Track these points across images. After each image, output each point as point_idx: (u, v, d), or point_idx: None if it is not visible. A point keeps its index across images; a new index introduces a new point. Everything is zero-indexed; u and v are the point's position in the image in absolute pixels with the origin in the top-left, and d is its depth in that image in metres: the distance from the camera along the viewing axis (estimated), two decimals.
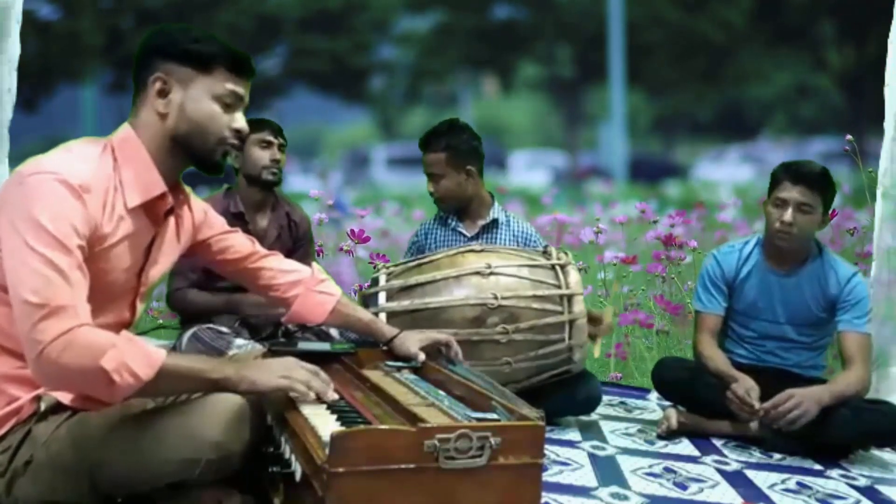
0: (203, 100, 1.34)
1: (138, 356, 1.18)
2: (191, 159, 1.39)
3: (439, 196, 2.57)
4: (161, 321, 3.41)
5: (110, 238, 1.29)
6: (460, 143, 2.52)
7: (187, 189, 1.51)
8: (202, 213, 1.59)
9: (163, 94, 1.33)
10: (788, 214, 2.32)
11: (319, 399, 1.36)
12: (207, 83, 1.34)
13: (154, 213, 1.38)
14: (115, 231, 1.30)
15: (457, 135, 2.53)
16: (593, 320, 2.36)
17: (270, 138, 2.43)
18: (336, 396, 1.38)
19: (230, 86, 1.36)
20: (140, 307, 1.46)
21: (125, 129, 1.35)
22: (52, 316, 1.15)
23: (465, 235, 2.65)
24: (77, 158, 1.27)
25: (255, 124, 2.35)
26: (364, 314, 1.85)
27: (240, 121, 1.39)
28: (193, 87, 1.34)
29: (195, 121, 1.34)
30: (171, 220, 1.46)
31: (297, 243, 2.57)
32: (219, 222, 1.64)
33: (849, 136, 3.10)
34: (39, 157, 1.25)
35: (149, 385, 1.19)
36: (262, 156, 2.42)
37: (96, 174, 1.27)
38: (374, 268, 2.48)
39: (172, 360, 1.23)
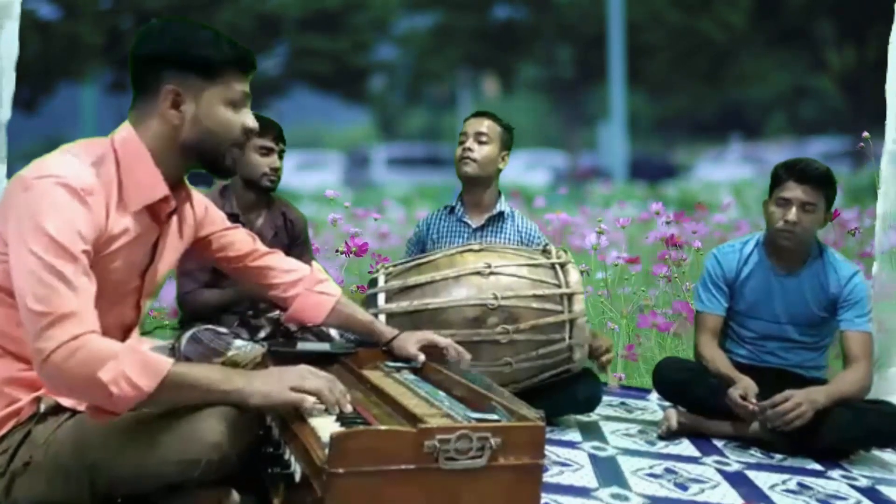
0: (216, 108, 1.34)
1: (140, 367, 1.16)
2: (201, 163, 1.38)
3: (477, 157, 2.58)
4: (166, 322, 3.40)
5: (116, 240, 1.29)
6: (510, 133, 2.70)
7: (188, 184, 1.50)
8: (203, 209, 1.58)
9: (176, 105, 1.32)
10: (793, 214, 2.32)
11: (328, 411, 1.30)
12: (217, 90, 1.34)
13: (157, 215, 1.37)
14: (121, 233, 1.29)
15: (509, 127, 2.71)
16: (595, 351, 2.36)
17: (272, 145, 2.42)
18: (350, 409, 1.31)
19: (238, 87, 1.36)
20: (145, 306, 1.45)
21: (126, 129, 1.34)
22: (57, 324, 1.14)
23: (470, 226, 2.65)
24: (80, 160, 1.25)
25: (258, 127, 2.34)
26: (363, 315, 1.84)
27: (249, 119, 1.39)
28: (205, 97, 1.33)
29: (210, 130, 1.34)
30: (175, 218, 1.45)
31: (294, 242, 2.57)
32: (219, 218, 1.64)
33: (866, 133, 3.10)
34: (42, 159, 1.24)
35: (153, 396, 1.17)
36: (262, 162, 2.40)
37: (99, 176, 1.26)
38: (374, 269, 2.48)
39: (179, 370, 1.21)
